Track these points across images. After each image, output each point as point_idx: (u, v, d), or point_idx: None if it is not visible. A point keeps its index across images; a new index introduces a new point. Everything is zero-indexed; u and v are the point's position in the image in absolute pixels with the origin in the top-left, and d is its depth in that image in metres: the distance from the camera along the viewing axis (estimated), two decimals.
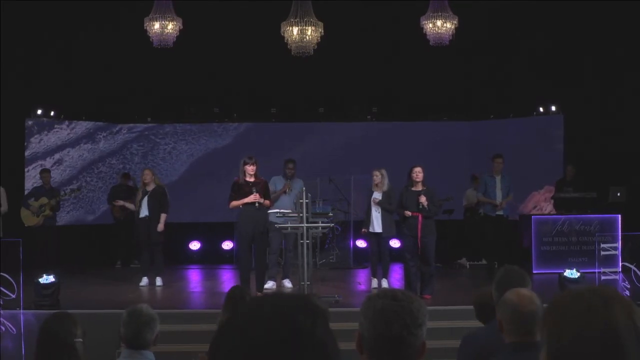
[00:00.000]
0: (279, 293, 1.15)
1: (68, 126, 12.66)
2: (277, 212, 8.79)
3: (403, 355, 1.87)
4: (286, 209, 8.91)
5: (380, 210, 9.03)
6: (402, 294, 1.93)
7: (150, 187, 9.71)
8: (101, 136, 13.09)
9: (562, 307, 1.28)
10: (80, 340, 3.32)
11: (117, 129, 13.23)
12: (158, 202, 9.65)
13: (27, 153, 12.06)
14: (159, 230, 9.62)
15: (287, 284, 9.49)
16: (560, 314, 1.27)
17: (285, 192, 9.39)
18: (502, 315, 2.78)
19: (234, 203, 8.52)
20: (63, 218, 12.07)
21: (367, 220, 9.17)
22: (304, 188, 8.23)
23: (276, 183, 9.46)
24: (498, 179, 10.01)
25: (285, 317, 1.07)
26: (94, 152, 12.98)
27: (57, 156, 12.48)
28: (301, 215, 7.99)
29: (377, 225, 9.07)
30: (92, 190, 12.94)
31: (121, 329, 3.43)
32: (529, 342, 2.69)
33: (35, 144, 12.26)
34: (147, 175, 9.74)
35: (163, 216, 9.69)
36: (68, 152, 12.64)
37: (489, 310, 3.38)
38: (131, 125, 13.30)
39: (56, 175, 11.92)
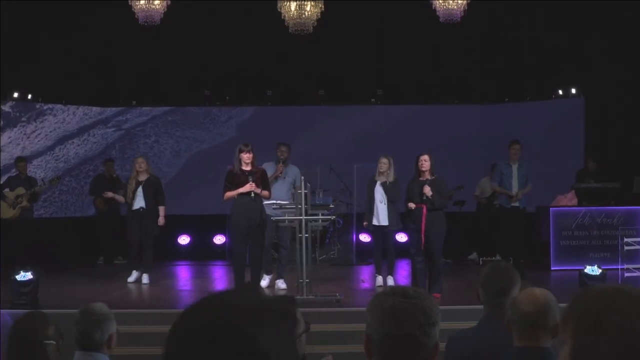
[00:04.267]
0: (224, 293, 1.16)
1: (36, 119, 12.42)
2: (272, 204, 8.68)
3: (415, 356, 1.87)
4: (280, 200, 8.76)
5: (386, 201, 9.04)
6: (413, 291, 1.93)
7: (143, 177, 9.74)
8: (75, 133, 12.87)
9: (582, 305, 1.29)
10: (53, 342, 3.33)
11: (92, 124, 13.05)
12: (153, 193, 9.71)
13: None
14: (160, 225, 9.73)
15: (281, 284, 9.29)
16: (579, 312, 1.27)
17: (277, 177, 9.22)
18: (510, 317, 2.80)
19: (229, 194, 8.47)
20: (40, 213, 12.04)
21: (369, 212, 9.17)
22: (302, 177, 8.18)
23: (267, 170, 9.37)
24: (515, 167, 9.99)
25: (220, 321, 1.09)
26: (67, 152, 12.80)
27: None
28: (299, 206, 7.98)
29: (382, 218, 9.08)
30: (65, 192, 12.80)
31: (75, 328, 3.42)
32: (534, 347, 2.69)
33: (5, 143, 12.08)
34: (142, 164, 9.77)
35: (162, 209, 9.78)
36: (37, 151, 12.37)
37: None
38: (113, 114, 13.24)
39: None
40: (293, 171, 9.36)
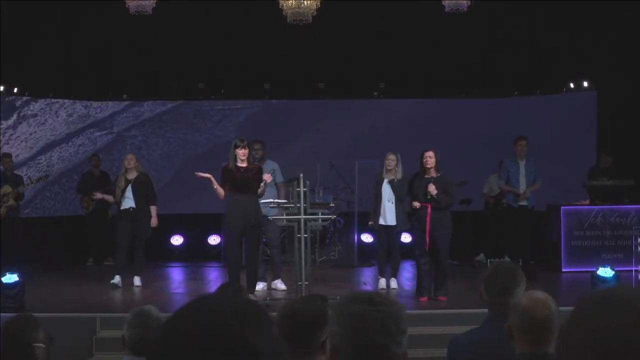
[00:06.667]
0: (208, 297, 1.22)
1: (16, 122, 12.26)
2: (269, 202, 8.65)
3: None
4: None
5: (394, 200, 9.00)
6: (378, 297, 1.90)
7: (132, 175, 9.62)
8: (60, 136, 12.75)
9: (576, 311, 1.29)
10: (42, 345, 3.33)
11: (79, 129, 12.95)
12: (144, 192, 9.60)
13: None
14: (153, 226, 9.62)
15: (280, 285, 9.30)
16: (573, 319, 1.28)
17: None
18: (513, 321, 2.79)
19: (218, 189, 8.46)
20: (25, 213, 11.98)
21: (375, 211, 9.11)
22: (301, 175, 8.14)
23: None
24: (522, 164, 9.99)
25: (211, 323, 1.13)
26: (50, 157, 12.68)
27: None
28: (298, 205, 7.97)
29: (389, 218, 9.02)
30: (48, 198, 12.72)
31: (125, 331, 3.42)
32: (541, 354, 2.70)
33: None
34: (132, 161, 9.64)
35: (154, 209, 9.64)
36: (18, 161, 12.08)
37: None
38: (100, 117, 13.19)
39: None
40: (270, 167, 9.32)
